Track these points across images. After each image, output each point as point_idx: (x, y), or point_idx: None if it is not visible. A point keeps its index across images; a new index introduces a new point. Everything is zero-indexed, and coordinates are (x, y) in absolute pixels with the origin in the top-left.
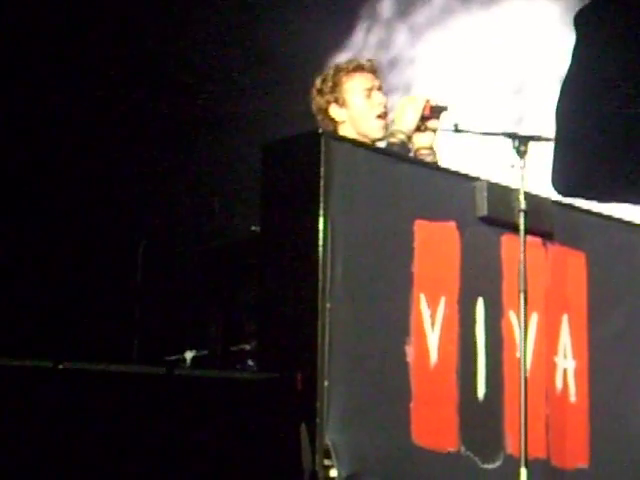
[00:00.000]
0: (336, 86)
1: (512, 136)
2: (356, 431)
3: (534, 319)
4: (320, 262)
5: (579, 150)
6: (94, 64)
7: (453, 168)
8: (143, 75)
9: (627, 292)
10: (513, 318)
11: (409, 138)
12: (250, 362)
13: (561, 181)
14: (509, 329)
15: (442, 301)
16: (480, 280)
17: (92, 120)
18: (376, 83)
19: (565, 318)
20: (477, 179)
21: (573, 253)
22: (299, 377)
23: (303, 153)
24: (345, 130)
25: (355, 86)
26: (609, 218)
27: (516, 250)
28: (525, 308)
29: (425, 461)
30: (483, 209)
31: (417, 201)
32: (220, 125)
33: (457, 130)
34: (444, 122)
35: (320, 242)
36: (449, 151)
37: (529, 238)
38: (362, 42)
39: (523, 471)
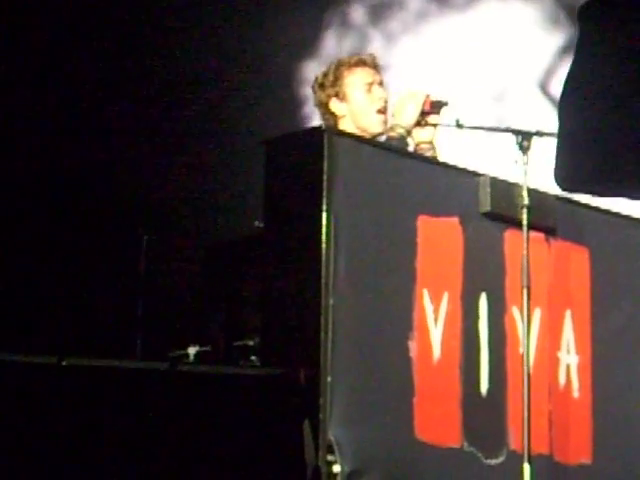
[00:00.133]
0: (337, 80)
1: (515, 132)
2: (359, 427)
3: (537, 314)
4: (323, 258)
5: (582, 145)
6: (98, 63)
7: (456, 164)
8: (143, 72)
9: (630, 287)
10: (516, 313)
11: (409, 133)
12: (253, 358)
13: (564, 176)
14: (512, 325)
15: (445, 296)
16: (483, 276)
17: (95, 114)
18: (377, 78)
19: (568, 313)
20: (480, 175)
21: (576, 249)
22: (302, 373)
23: (306, 149)
24: (345, 124)
25: (356, 80)
26: (612, 214)
27: (519, 246)
28: (528, 303)
29: (428, 456)
30: (486, 205)
31: (420, 197)
32: (220, 123)
33: (459, 126)
34: (444, 117)
35: (323, 238)
36: (452, 147)
37: (532, 234)
38: (335, 48)
39: (526, 467)
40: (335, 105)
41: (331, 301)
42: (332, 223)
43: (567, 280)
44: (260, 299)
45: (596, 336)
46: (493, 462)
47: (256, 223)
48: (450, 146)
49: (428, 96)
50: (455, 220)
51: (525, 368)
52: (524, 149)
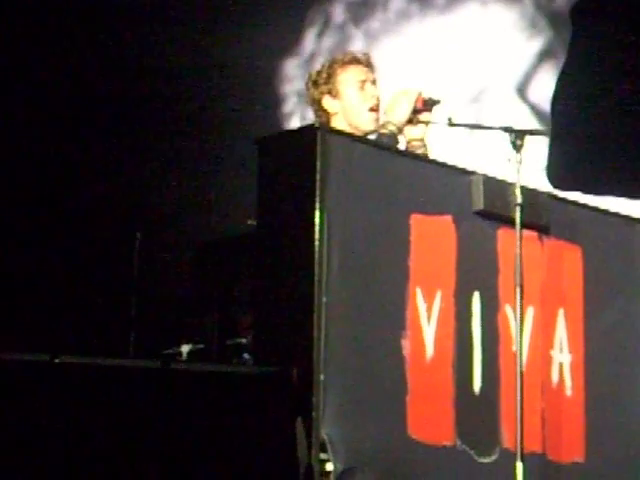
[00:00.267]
0: (330, 77)
1: (508, 130)
2: (352, 425)
3: (530, 313)
4: (316, 256)
5: (575, 143)
6: (88, 64)
7: (449, 162)
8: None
9: (623, 286)
10: (509, 312)
11: (400, 130)
12: (246, 356)
13: (557, 174)
14: (505, 323)
15: (438, 295)
16: (476, 274)
17: (87, 115)
18: (370, 76)
19: (561, 312)
20: (473, 173)
21: (569, 247)
22: (295, 371)
23: (299, 147)
24: (338, 122)
25: (349, 78)
26: (605, 212)
27: (512, 244)
28: (521, 302)
29: (421, 455)
30: (479, 203)
31: (413, 195)
32: (210, 122)
33: (451, 124)
34: (436, 115)
35: (316, 236)
36: (445, 145)
37: (525, 232)
38: (314, 47)
39: (519, 465)
40: (328, 102)
41: (324, 299)
42: (325, 221)
43: (560, 278)
44: (253, 297)
45: (589, 334)
46: (486, 460)
47: (249, 221)
48: (443, 144)
49: (420, 94)
50: (448, 218)
51: (518, 366)
52: (517, 147)
